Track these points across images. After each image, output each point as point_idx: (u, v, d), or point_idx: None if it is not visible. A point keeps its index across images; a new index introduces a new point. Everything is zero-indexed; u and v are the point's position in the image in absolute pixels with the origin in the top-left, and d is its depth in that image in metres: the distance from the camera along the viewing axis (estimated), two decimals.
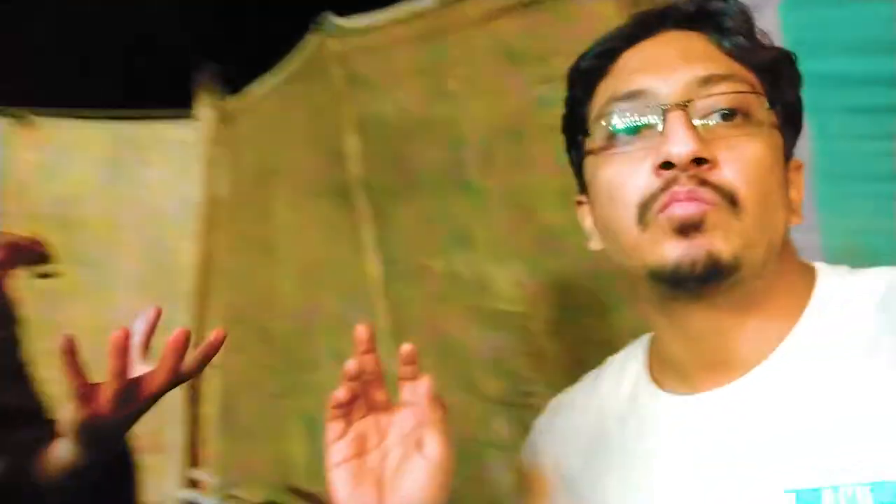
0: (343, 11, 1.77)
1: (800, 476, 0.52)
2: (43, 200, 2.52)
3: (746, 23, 0.60)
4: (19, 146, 2.57)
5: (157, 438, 2.40)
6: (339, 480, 0.62)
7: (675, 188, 0.55)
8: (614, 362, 0.72)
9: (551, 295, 1.36)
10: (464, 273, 1.51)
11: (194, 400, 2.46)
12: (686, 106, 0.55)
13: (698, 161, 0.54)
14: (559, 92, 1.25)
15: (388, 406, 0.65)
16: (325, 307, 2.02)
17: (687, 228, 0.54)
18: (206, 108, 2.46)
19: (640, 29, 0.63)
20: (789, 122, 0.60)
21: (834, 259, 0.64)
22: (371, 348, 0.63)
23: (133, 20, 2.14)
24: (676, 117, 0.55)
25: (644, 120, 0.58)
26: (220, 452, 2.41)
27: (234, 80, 2.36)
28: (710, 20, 0.61)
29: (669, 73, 0.58)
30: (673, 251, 0.55)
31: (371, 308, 1.84)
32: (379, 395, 0.64)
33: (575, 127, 0.66)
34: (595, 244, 0.66)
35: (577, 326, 1.32)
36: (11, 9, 1.99)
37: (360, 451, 0.63)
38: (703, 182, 0.54)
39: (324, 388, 2.14)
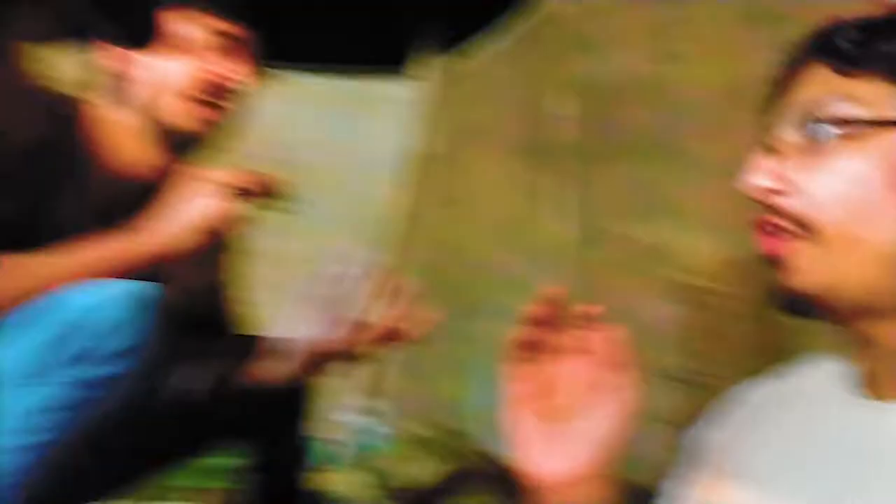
0: None
1: None
2: (279, 146, 2.81)
3: (863, 39, 0.55)
4: (266, 97, 2.88)
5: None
6: (523, 418, 0.64)
7: (764, 218, 0.56)
8: (811, 359, 0.68)
9: (750, 273, 1.29)
10: (662, 244, 1.47)
11: None
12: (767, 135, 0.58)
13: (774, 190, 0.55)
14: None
15: (576, 353, 0.65)
16: (510, 265, 2.06)
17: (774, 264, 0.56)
18: (428, 68, 2.58)
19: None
20: None
21: None
22: (555, 311, 0.64)
23: None
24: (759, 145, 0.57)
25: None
26: (399, 388, 2.56)
27: (458, 40, 2.45)
28: (823, 50, 0.56)
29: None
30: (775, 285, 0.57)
31: (558, 271, 1.85)
32: (566, 342, 0.65)
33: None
34: None
35: (773, 308, 1.24)
36: None
37: (547, 392, 0.65)
38: (781, 213, 0.55)
39: (497, 342, 2.19)
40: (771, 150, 0.55)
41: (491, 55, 2.23)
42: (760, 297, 1.26)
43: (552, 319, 0.64)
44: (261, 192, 1.06)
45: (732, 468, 0.67)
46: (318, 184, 2.89)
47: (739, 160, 1.30)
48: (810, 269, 0.53)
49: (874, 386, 0.58)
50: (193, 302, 1.12)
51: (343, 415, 2.49)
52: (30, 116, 1.01)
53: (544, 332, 0.64)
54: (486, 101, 2.23)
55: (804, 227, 0.53)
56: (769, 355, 1.26)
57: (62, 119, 1.04)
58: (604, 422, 0.62)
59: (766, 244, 0.55)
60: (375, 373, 2.59)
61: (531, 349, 0.65)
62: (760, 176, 0.54)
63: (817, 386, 0.64)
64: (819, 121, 0.54)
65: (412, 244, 2.63)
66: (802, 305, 0.55)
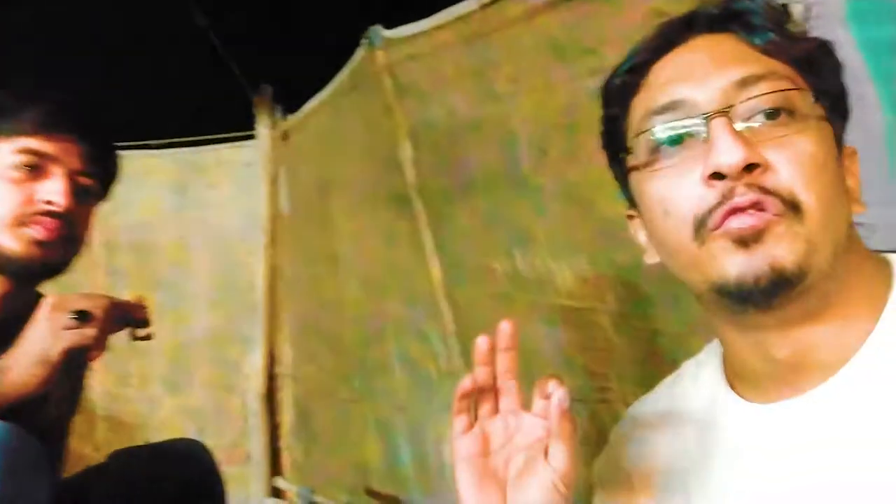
0: (390, 23, 1.80)
1: (885, 490, 0.49)
2: (119, 228, 2.65)
3: (776, 17, 0.58)
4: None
5: (240, 450, 2.49)
6: (464, 476, 0.63)
7: (736, 200, 0.52)
8: (689, 367, 0.71)
9: (617, 288, 1.35)
10: (526, 271, 1.51)
11: (272, 410, 2.54)
12: (727, 111, 0.53)
13: (749, 167, 0.52)
14: None
15: (517, 412, 0.65)
16: (391, 312, 2.05)
17: (746, 240, 0.52)
18: (264, 128, 2.53)
19: (667, 38, 0.61)
20: (836, 111, 0.58)
21: None
22: (513, 346, 0.64)
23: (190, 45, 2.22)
24: (719, 125, 0.53)
25: (686, 129, 0.56)
26: (299, 460, 2.48)
27: (291, 100, 2.42)
28: (738, 20, 0.58)
29: (704, 79, 0.56)
30: (734, 266, 0.53)
31: (436, 311, 1.86)
32: (506, 402, 0.65)
33: (614, 144, 0.65)
34: (650, 258, 0.65)
35: (646, 318, 1.31)
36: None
37: (486, 450, 0.64)
38: (762, 189, 0.52)
39: (395, 392, 2.16)
40: (734, 130, 0.53)
41: (317, 107, 2.22)
42: (631, 310, 1.33)
43: (492, 375, 0.64)
44: (119, 322, 1.02)
45: (642, 486, 0.70)
46: (171, 261, 2.77)
47: (574, 185, 1.38)
48: (792, 242, 0.52)
49: (759, 389, 0.60)
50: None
51: (250, 502, 2.38)
52: None
53: (485, 380, 0.64)
54: (331, 155, 2.22)
55: (785, 202, 0.52)
56: (652, 363, 1.33)
57: None
58: (539, 491, 0.60)
59: (740, 222, 0.52)
60: (273, 449, 2.49)
61: (470, 397, 0.64)
62: (736, 153, 0.52)
63: (704, 396, 0.66)
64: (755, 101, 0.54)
65: (286, 309, 2.56)
66: (766, 286, 0.52)
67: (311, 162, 2.36)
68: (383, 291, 2.08)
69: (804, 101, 0.55)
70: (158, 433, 2.50)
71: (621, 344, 1.36)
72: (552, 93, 1.35)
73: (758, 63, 0.56)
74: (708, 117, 0.54)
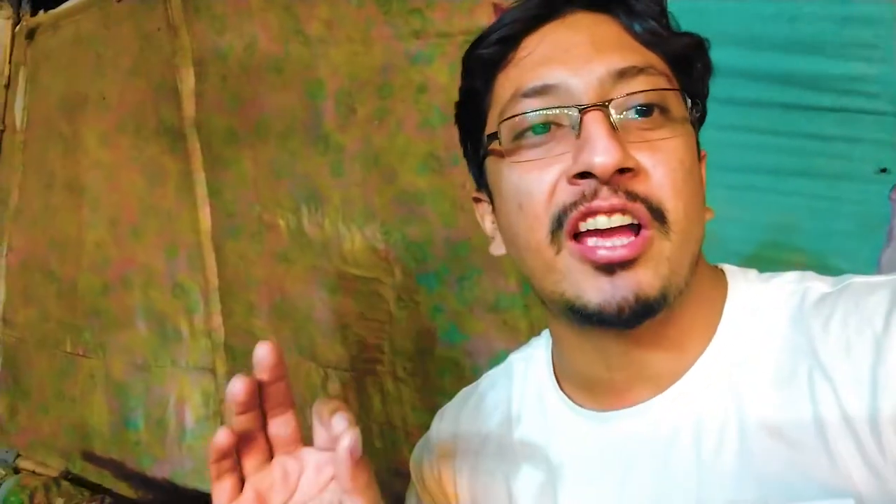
0: None
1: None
2: None
3: (656, 7, 0.55)
4: None
5: None
6: None
7: (597, 203, 0.48)
8: (516, 363, 0.67)
9: (405, 261, 1.31)
10: (312, 233, 1.42)
11: None
12: (605, 106, 0.49)
13: (621, 170, 0.48)
14: (433, 49, 1.21)
15: (297, 443, 0.52)
16: (141, 258, 1.81)
17: (613, 267, 0.48)
18: (2, 20, 2.09)
19: (543, 9, 0.55)
20: (699, 114, 0.57)
21: None
22: (280, 375, 0.49)
23: None
24: (595, 120, 0.49)
25: (557, 119, 0.51)
26: (3, 418, 2.11)
27: None
28: (620, 2, 0.55)
29: (582, 65, 0.51)
30: (595, 294, 0.48)
31: (198, 263, 1.68)
32: (283, 430, 0.51)
33: (473, 121, 0.58)
34: (496, 249, 0.60)
35: (430, 295, 1.29)
36: None
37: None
38: (629, 194, 0.48)
39: (134, 348, 1.92)
40: (611, 128, 0.48)
41: (97, 13, 1.88)
42: (416, 285, 1.31)
43: (268, 406, 0.50)
44: None
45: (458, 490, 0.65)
46: None
47: (379, 151, 1.32)
48: (657, 266, 0.48)
49: (588, 395, 0.58)
50: None
51: None
52: None
53: (253, 421, 0.49)
54: (90, 68, 1.88)
55: (652, 210, 0.48)
56: (426, 339, 1.31)
57: None
58: None
59: (609, 254, 0.47)
60: None
61: (231, 454, 0.49)
62: (612, 154, 0.47)
63: (515, 389, 0.63)
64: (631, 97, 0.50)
65: (6, 240, 2.15)
66: (628, 317, 0.48)
67: (61, 71, 1.99)
68: (136, 234, 1.83)
69: (677, 101, 0.53)
70: None
71: (400, 317, 1.33)
72: (369, 48, 1.27)
73: (637, 54, 0.53)
74: (583, 110, 0.50)
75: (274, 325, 1.53)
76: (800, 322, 0.51)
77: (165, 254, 1.76)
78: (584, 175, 0.49)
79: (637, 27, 0.54)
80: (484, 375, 0.71)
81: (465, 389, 0.72)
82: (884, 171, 0.93)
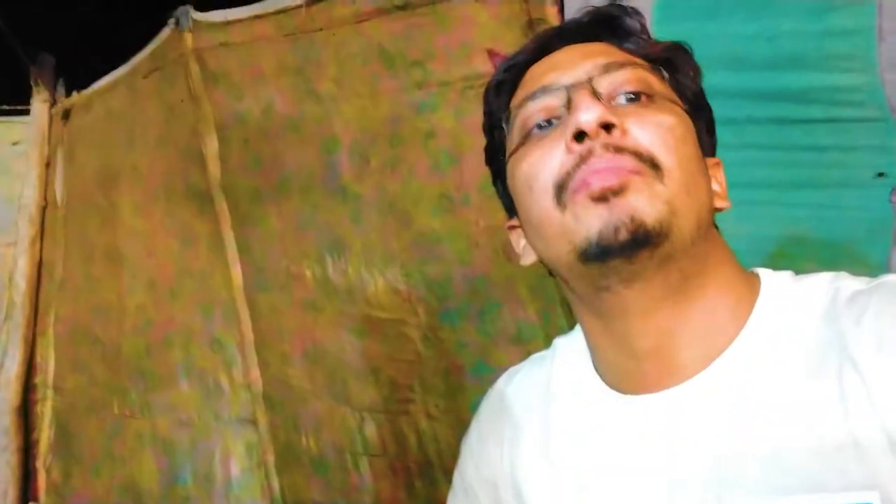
0: (202, 5, 1.68)
1: (731, 497, 0.50)
2: None
3: (641, 25, 0.63)
4: None
5: None
6: None
7: (592, 161, 0.52)
8: (559, 344, 0.69)
9: (427, 301, 1.35)
10: (337, 279, 1.47)
11: (25, 427, 2.21)
12: (589, 82, 0.56)
13: (608, 127, 0.53)
14: (436, 98, 1.27)
15: None
16: (179, 319, 1.89)
17: (606, 195, 0.51)
18: (41, 103, 2.22)
19: (542, 45, 0.63)
20: (699, 112, 0.61)
21: None
22: None
23: None
24: (579, 89, 0.55)
25: (557, 113, 0.57)
26: (58, 482, 2.18)
27: (77, 75, 2.15)
28: (607, 26, 0.62)
29: (572, 67, 0.58)
30: (595, 221, 0.51)
31: (233, 318, 1.74)
32: None
33: (497, 153, 0.64)
34: (526, 258, 0.63)
35: (454, 331, 1.33)
36: None
37: None
38: (620, 149, 0.52)
39: (178, 406, 1.98)
40: (594, 94, 0.54)
41: (109, 87, 2.00)
42: (439, 323, 1.35)
43: None
44: None
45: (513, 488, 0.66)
46: None
47: (393, 197, 1.37)
48: (651, 198, 0.51)
49: (626, 381, 0.59)
50: None
51: None
52: None
53: None
54: (121, 141, 1.99)
55: (643, 160, 0.52)
56: (455, 374, 1.34)
57: None
58: None
59: (600, 180, 0.51)
60: (26, 471, 2.17)
61: None
62: (595, 110, 0.52)
63: (570, 379, 0.65)
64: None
65: (53, 311, 2.25)
66: (626, 240, 0.51)
67: (95, 147, 2.11)
68: (173, 296, 1.90)
69: (664, 88, 0.58)
70: None
71: (428, 356, 1.37)
72: (377, 101, 1.33)
73: (622, 54, 0.60)
74: (570, 88, 0.56)
75: (308, 372, 1.58)
76: (832, 318, 0.52)
77: (202, 312, 1.83)
78: (579, 137, 0.53)
79: (624, 44, 0.61)
80: (530, 356, 0.73)
81: (510, 369, 0.74)
82: (881, 175, 0.95)
